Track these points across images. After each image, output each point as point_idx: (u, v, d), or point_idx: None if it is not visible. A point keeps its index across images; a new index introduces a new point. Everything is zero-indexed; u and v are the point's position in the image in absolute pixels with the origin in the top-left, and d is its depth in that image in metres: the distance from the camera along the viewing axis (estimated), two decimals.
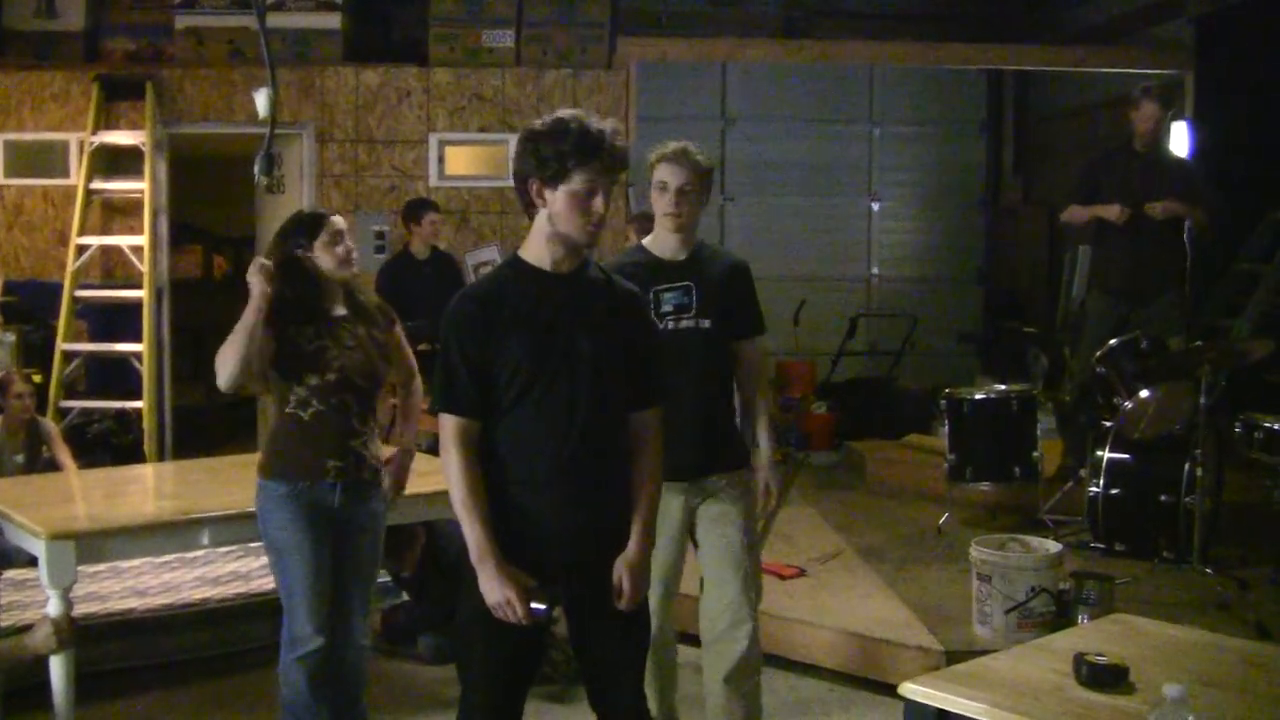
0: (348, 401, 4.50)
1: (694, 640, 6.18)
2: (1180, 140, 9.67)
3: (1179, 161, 8.18)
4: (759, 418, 4.65)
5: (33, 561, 5.18)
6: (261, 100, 5.85)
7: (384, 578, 5.93)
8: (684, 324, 4.41)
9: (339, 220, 4.65)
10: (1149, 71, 9.94)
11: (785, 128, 12.58)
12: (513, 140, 3.58)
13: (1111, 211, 7.43)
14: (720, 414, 4.58)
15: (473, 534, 3.40)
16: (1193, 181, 7.66)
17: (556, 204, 3.42)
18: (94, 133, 9.30)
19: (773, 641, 6.02)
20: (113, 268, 9.50)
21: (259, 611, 6.21)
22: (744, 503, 4.52)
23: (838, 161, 12.64)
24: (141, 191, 9.29)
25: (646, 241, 4.53)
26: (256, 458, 4.72)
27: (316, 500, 4.46)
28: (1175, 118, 9.66)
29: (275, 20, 8.77)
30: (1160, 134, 7.62)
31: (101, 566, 6.23)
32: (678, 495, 4.39)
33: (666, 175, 4.37)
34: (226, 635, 6.08)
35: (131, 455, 8.59)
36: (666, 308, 4.39)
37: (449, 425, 3.43)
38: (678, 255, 4.46)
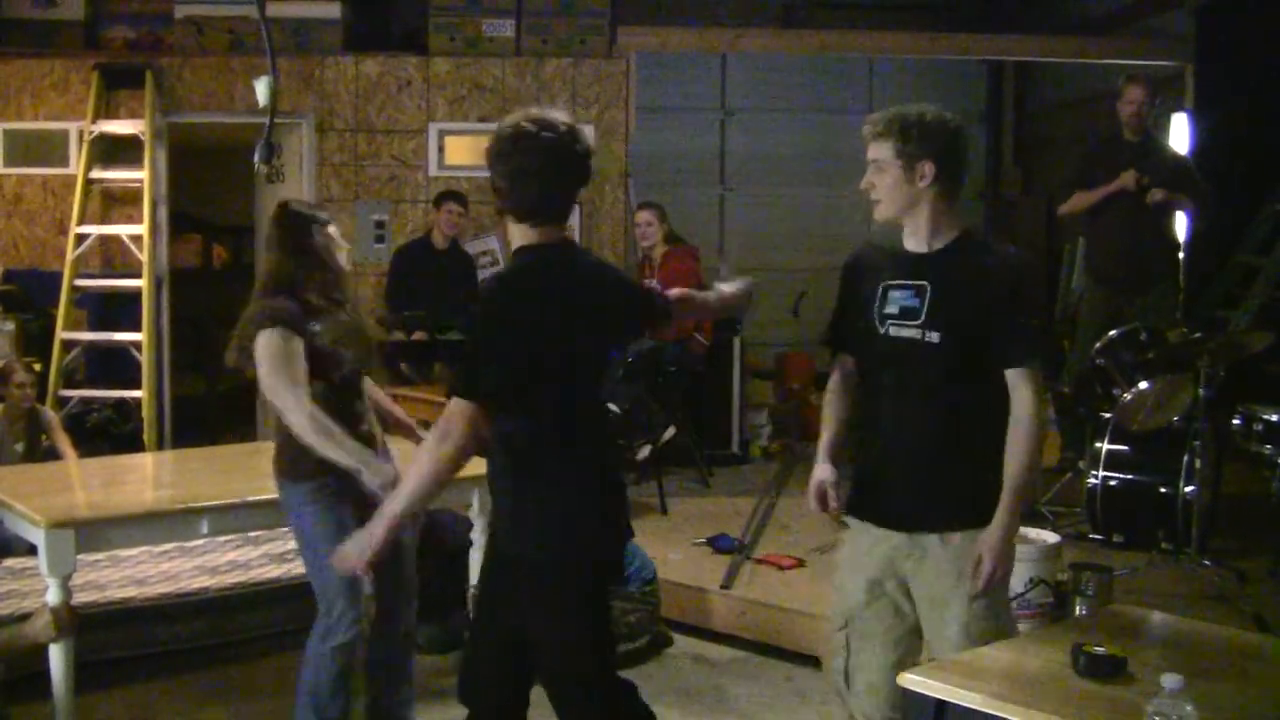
0: (354, 387, 4.51)
1: (690, 630, 6.21)
2: (1180, 132, 9.67)
3: (1172, 151, 8.21)
4: (1010, 476, 3.52)
5: (32, 550, 5.19)
6: (261, 88, 5.83)
7: None
8: (905, 332, 3.58)
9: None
10: (1149, 63, 9.92)
11: (785, 118, 12.58)
12: None
13: (1127, 179, 7.40)
14: (949, 455, 3.61)
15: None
16: (1185, 168, 7.69)
17: None
18: (93, 122, 9.29)
19: (771, 632, 6.04)
20: (112, 257, 9.49)
21: (258, 601, 6.22)
22: (967, 580, 3.55)
23: (837, 152, 12.58)
24: (141, 181, 9.28)
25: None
26: (256, 446, 4.75)
27: (342, 490, 4.45)
28: (1171, 108, 9.67)
29: (275, 9, 8.75)
30: (1146, 120, 7.62)
31: (100, 555, 6.23)
32: (881, 545, 3.67)
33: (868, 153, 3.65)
34: (225, 624, 6.09)
35: (131, 444, 8.58)
36: (891, 309, 3.61)
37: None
38: (922, 247, 3.64)
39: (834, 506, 3.70)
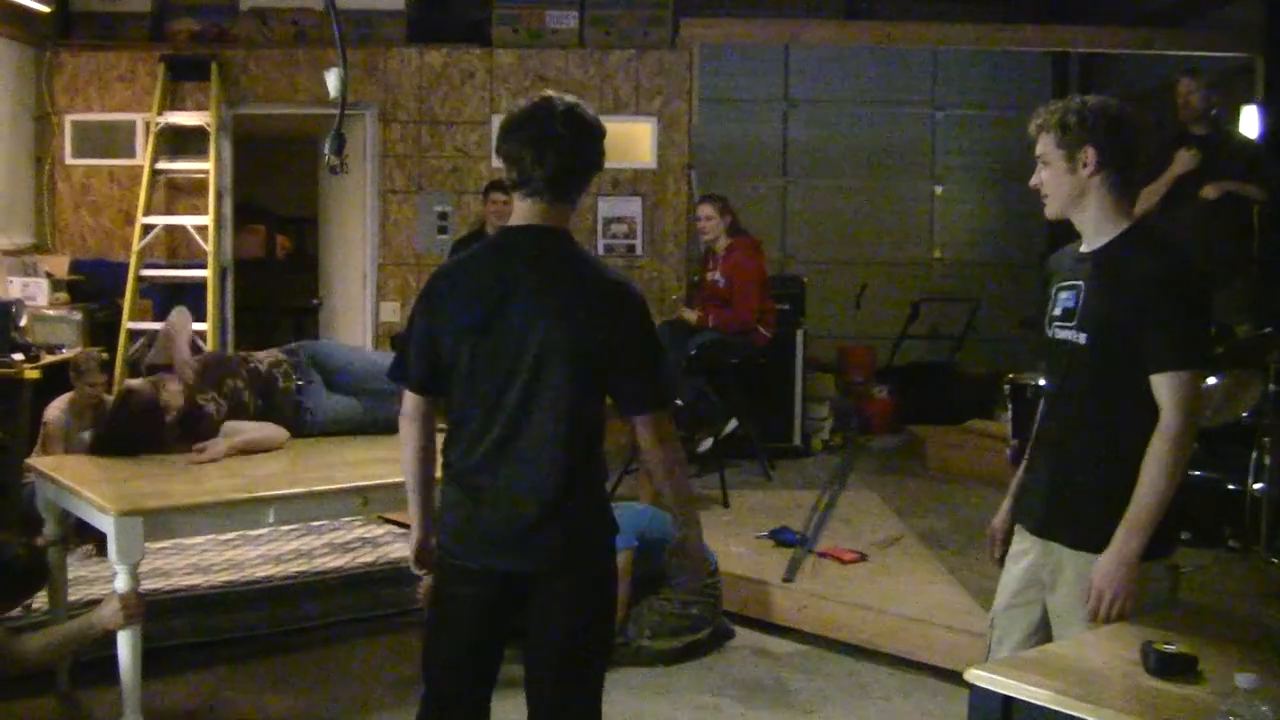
0: None
1: (751, 623, 6.19)
2: (1250, 124, 9.55)
3: (1243, 141, 8.12)
4: (1134, 495, 3.34)
5: (100, 539, 5.25)
6: (333, 80, 5.87)
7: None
8: (1063, 334, 3.44)
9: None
10: (1217, 54, 9.81)
11: (847, 110, 12.52)
12: None
13: (1182, 161, 7.32)
14: (1090, 467, 3.44)
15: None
16: (1256, 159, 7.59)
17: None
18: (159, 113, 9.39)
19: (833, 626, 6.02)
20: (177, 247, 9.60)
21: (320, 590, 6.27)
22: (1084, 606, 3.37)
23: (900, 144, 12.55)
24: (206, 171, 9.38)
25: None
26: (318, 441, 4.78)
27: None
28: (1241, 100, 9.53)
29: (340, 1, 8.79)
30: (1206, 112, 7.52)
31: (166, 543, 6.30)
32: (1029, 553, 3.59)
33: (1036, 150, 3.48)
34: (288, 613, 6.14)
35: None
36: (1056, 310, 3.49)
37: None
38: (1090, 243, 3.45)
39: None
